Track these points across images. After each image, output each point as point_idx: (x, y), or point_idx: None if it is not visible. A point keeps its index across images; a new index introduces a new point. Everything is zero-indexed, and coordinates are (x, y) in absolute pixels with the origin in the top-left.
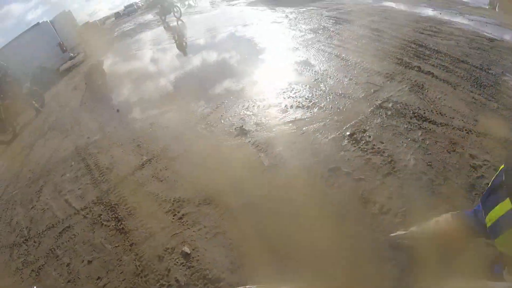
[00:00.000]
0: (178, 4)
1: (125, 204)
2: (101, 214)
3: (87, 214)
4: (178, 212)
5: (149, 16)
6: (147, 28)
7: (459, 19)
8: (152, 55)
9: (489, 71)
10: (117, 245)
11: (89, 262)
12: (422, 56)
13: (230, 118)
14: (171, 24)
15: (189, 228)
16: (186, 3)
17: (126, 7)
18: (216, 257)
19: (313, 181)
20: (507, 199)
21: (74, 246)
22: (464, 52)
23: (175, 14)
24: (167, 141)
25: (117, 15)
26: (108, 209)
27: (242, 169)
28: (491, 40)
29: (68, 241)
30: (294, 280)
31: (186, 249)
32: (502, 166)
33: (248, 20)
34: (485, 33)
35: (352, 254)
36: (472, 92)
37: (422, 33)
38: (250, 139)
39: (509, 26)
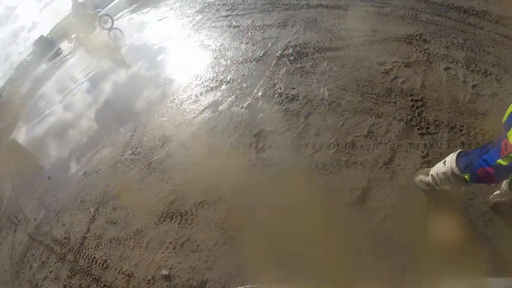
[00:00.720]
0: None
1: (95, 261)
2: (80, 284)
3: None
4: (143, 243)
5: (42, 66)
6: (44, 79)
7: None
8: (62, 103)
9: None
10: None
11: None
12: None
13: (151, 132)
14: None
15: (158, 252)
16: (73, 35)
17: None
18: (191, 264)
19: (244, 151)
20: None
21: None
22: None
23: (104, 25)
24: (104, 182)
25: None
26: (84, 276)
27: (178, 171)
28: None
29: None
30: (294, 280)
31: (164, 272)
32: None
33: (137, 27)
34: None
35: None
36: (363, 6)
37: None
38: (175, 142)
39: None
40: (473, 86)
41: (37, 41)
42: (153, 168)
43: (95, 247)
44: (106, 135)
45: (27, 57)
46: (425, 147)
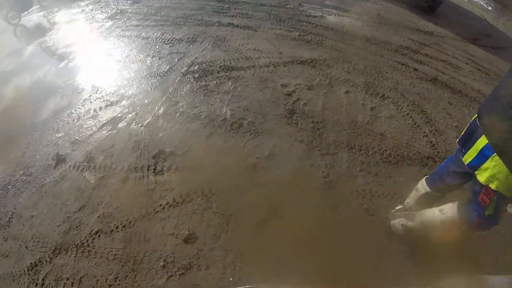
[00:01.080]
0: None
1: None
2: None
3: None
4: (38, 279)
5: None
6: None
7: None
8: None
9: (287, 6)
10: None
11: None
12: (221, 11)
13: (44, 149)
14: None
15: None
16: None
17: None
18: None
19: (142, 174)
20: (483, 137)
21: None
22: None
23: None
24: None
25: None
26: None
27: (72, 195)
28: None
29: None
30: (294, 280)
31: None
32: (475, 116)
33: (45, 27)
34: None
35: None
36: (272, 29)
37: None
38: (69, 162)
39: None
40: (372, 109)
41: None
42: (46, 192)
43: None
44: None
45: None
46: (326, 167)
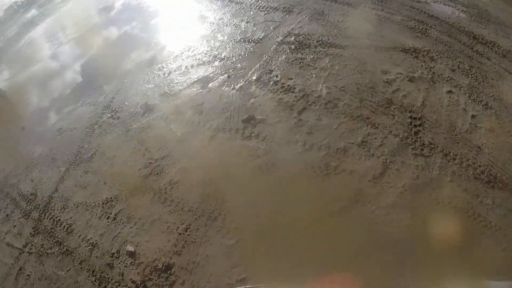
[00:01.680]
0: None
1: (60, 224)
2: (43, 244)
3: (31, 249)
4: (111, 214)
5: (32, 11)
6: (32, 25)
7: None
8: (48, 52)
9: None
10: (68, 268)
11: None
12: None
13: (133, 97)
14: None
15: (125, 226)
16: None
17: None
18: (159, 245)
19: (229, 136)
20: None
21: (33, 287)
22: None
23: None
24: (79, 142)
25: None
26: (47, 236)
27: (156, 144)
28: None
29: (26, 283)
30: (294, 280)
31: (130, 248)
32: None
33: None
34: None
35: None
36: (374, 9)
37: None
38: (157, 113)
39: None
40: (473, 116)
41: None
42: (131, 137)
43: (61, 208)
44: (87, 91)
45: (18, 0)
46: (416, 169)
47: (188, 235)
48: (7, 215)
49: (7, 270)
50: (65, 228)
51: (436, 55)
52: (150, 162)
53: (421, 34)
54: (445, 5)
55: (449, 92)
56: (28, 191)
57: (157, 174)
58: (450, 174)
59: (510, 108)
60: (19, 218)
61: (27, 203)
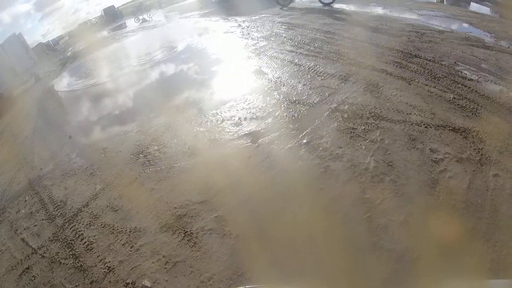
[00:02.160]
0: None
1: (82, 239)
2: (58, 252)
3: (45, 253)
4: (136, 243)
5: (103, 33)
6: (101, 45)
7: (408, 15)
8: (110, 72)
9: (442, 63)
10: (77, 284)
11: None
12: (374, 54)
13: (183, 136)
14: (127, 37)
15: (147, 260)
16: (141, 17)
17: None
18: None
19: (271, 196)
20: None
21: None
22: (416, 47)
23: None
24: (120, 166)
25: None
26: (65, 246)
27: (198, 192)
28: (441, 32)
29: (29, 283)
30: (294, 280)
31: (147, 283)
32: None
33: (203, 31)
34: (435, 26)
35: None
36: (427, 85)
37: (374, 32)
38: (203, 157)
39: (457, 16)
40: None
41: (107, 8)
42: (173, 174)
43: (87, 224)
44: (140, 120)
45: (93, 19)
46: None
47: (210, 284)
48: (31, 212)
49: (13, 264)
50: (86, 244)
51: (485, 137)
52: (187, 204)
53: (471, 114)
54: (496, 83)
55: (496, 175)
56: (59, 197)
57: (191, 217)
58: (489, 262)
59: None
60: (42, 219)
61: (54, 208)
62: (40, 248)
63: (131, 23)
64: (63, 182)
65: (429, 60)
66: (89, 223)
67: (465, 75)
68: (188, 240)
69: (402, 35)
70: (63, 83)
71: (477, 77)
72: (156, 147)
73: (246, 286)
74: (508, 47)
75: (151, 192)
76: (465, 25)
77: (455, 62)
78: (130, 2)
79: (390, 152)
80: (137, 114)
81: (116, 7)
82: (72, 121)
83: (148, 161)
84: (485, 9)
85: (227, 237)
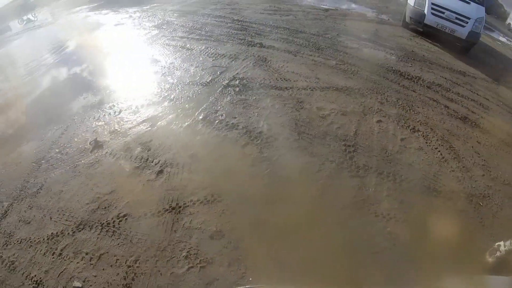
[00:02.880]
0: None
1: (2, 261)
2: None
3: None
4: (56, 249)
5: None
6: None
7: None
8: None
9: (326, 36)
10: None
11: None
12: (263, 33)
13: (83, 134)
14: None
15: (72, 261)
16: (25, 18)
17: None
18: (108, 279)
19: (176, 170)
20: None
21: None
22: (302, 24)
23: None
24: (24, 177)
25: None
26: None
27: (106, 183)
28: (326, 10)
29: None
30: (294, 281)
31: (77, 284)
32: None
33: (93, 26)
34: (321, 5)
35: None
36: (311, 55)
37: (262, 13)
38: (106, 149)
39: None
40: (402, 139)
41: None
42: (79, 172)
43: (3, 245)
44: (34, 128)
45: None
46: (353, 189)
47: (137, 266)
48: None
49: None
50: (7, 265)
51: (366, 92)
52: (98, 197)
53: (353, 75)
54: (375, 49)
55: (379, 121)
56: None
57: (104, 208)
58: (386, 190)
59: (436, 128)
60: None
61: None
62: None
63: (14, 25)
64: None
65: (314, 34)
66: (5, 243)
67: (347, 44)
68: (106, 231)
69: (289, 15)
70: None
71: (357, 45)
72: (57, 150)
73: (246, 286)
74: (388, 19)
75: (61, 194)
76: (350, 3)
77: (337, 34)
78: (12, 1)
79: (280, 115)
80: (30, 123)
81: None
82: None
83: (51, 165)
84: None
85: (142, 218)
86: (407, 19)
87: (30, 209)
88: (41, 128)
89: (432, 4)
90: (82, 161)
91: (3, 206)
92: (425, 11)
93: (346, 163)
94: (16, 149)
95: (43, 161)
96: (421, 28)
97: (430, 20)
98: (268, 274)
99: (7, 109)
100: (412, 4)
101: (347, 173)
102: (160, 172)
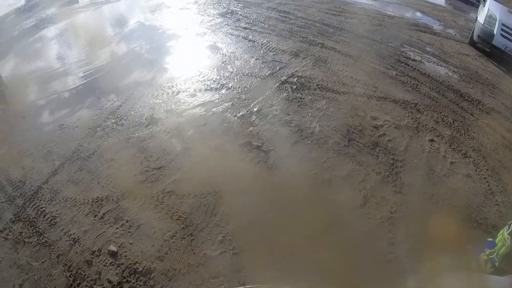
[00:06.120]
0: None
1: (44, 215)
2: (21, 232)
3: (8, 235)
4: (99, 212)
5: (52, 9)
6: (50, 22)
7: (363, 0)
8: (57, 51)
9: (389, 44)
10: (43, 260)
11: (20, 285)
12: (325, 34)
13: (140, 108)
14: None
15: (111, 226)
16: None
17: (27, 1)
18: (143, 249)
19: (225, 156)
20: None
21: (2, 273)
22: (366, 28)
23: None
24: (78, 141)
25: (18, 11)
26: (28, 225)
27: (155, 154)
28: (392, 17)
29: None
30: (295, 281)
31: (113, 248)
32: None
33: (157, 8)
34: (387, 11)
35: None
36: (372, 63)
37: (327, 13)
38: (161, 126)
39: (409, 4)
40: (451, 163)
41: None
42: (132, 144)
43: (48, 200)
44: (95, 96)
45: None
46: (395, 204)
47: (173, 242)
48: None
49: None
50: (49, 220)
51: (423, 108)
52: (147, 170)
53: (412, 89)
54: (438, 65)
55: (431, 140)
56: (16, 177)
57: (151, 181)
58: (426, 212)
59: (488, 157)
60: (2, 202)
61: (13, 189)
62: (2, 232)
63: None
64: (20, 163)
65: (377, 41)
66: (51, 199)
67: (409, 55)
68: (149, 203)
69: (353, 17)
70: (10, 63)
71: (420, 58)
72: (113, 120)
73: (246, 286)
74: (455, 34)
75: (111, 162)
76: (417, 12)
77: (401, 44)
78: None
79: (334, 119)
80: (92, 90)
81: None
82: (25, 101)
83: (106, 133)
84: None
85: (186, 197)
86: (475, 37)
87: (80, 171)
88: (101, 97)
89: (503, 25)
90: (136, 134)
91: (54, 165)
92: (495, 32)
93: (391, 178)
94: (75, 113)
95: (98, 129)
96: (488, 48)
97: (498, 41)
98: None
99: (71, 75)
100: (482, 22)
101: (391, 187)
102: (209, 156)
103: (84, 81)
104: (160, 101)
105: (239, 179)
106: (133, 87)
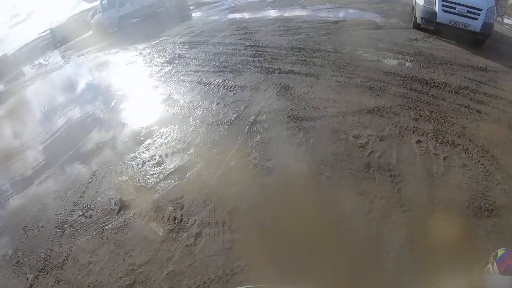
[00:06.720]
0: None
1: None
2: None
3: None
4: None
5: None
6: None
7: (303, 12)
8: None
9: (343, 51)
10: None
11: None
12: (279, 57)
13: (106, 192)
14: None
15: None
16: (37, 62)
17: None
18: None
19: (217, 231)
20: None
21: None
22: (316, 41)
23: None
24: (47, 244)
25: None
26: None
27: (137, 246)
28: (336, 22)
29: None
30: (295, 281)
31: None
32: None
33: (103, 67)
34: (329, 18)
35: None
36: (333, 76)
37: (273, 35)
38: (134, 210)
39: (348, 5)
40: (444, 158)
41: None
42: (107, 239)
43: None
44: (54, 183)
45: None
46: (408, 225)
47: None
48: None
49: None
50: None
51: (398, 109)
52: (133, 269)
53: (381, 92)
54: (395, 58)
55: (418, 142)
56: None
57: (142, 282)
58: (440, 221)
59: (474, 139)
60: None
61: None
62: None
63: (27, 70)
64: None
65: (330, 52)
66: None
67: (365, 57)
68: None
69: (300, 33)
70: None
71: (377, 57)
72: (80, 212)
73: (246, 286)
74: (398, 22)
75: (90, 266)
76: (356, 11)
77: (354, 48)
78: (22, 47)
79: (317, 151)
80: (50, 177)
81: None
82: None
83: (75, 230)
84: None
85: None
86: (418, 20)
87: (58, 283)
88: (61, 182)
89: (443, 1)
90: (109, 225)
91: (28, 279)
92: (436, 9)
93: (396, 197)
94: (37, 208)
95: (66, 226)
96: (433, 27)
97: (442, 17)
98: None
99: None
100: (422, 4)
101: (398, 207)
102: (199, 234)
103: (42, 170)
104: (126, 178)
105: (239, 255)
106: (93, 166)
